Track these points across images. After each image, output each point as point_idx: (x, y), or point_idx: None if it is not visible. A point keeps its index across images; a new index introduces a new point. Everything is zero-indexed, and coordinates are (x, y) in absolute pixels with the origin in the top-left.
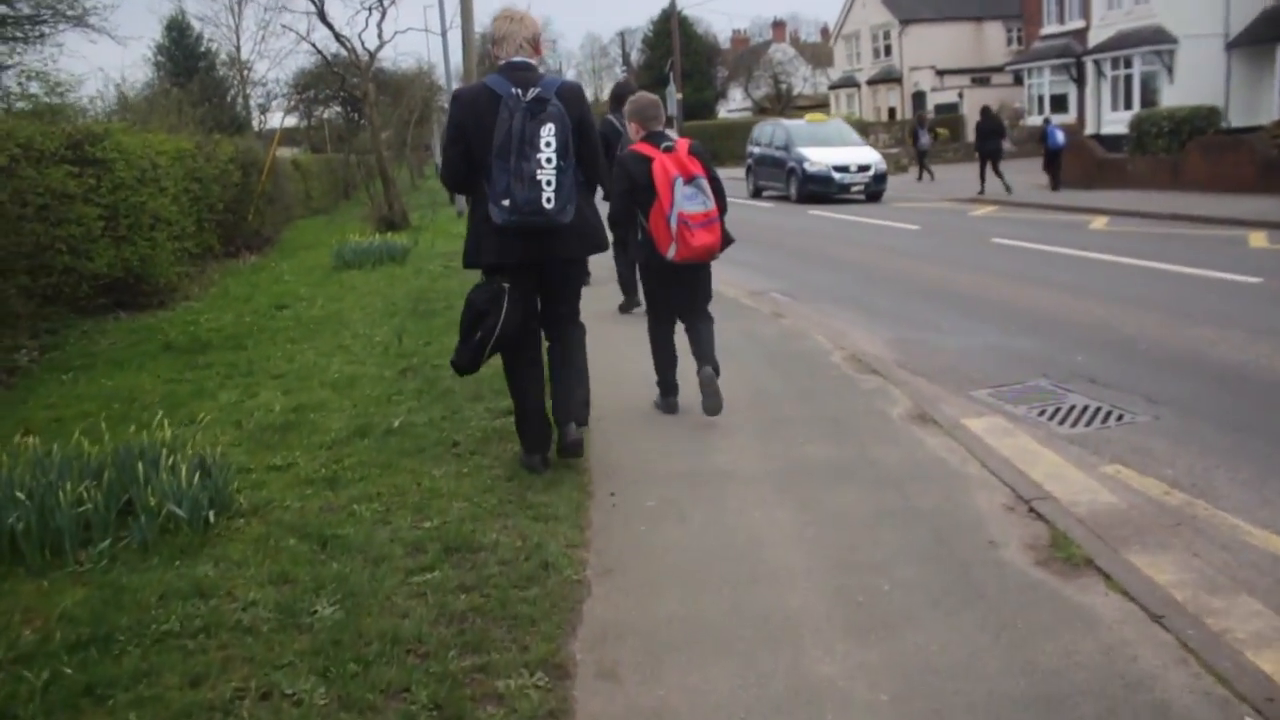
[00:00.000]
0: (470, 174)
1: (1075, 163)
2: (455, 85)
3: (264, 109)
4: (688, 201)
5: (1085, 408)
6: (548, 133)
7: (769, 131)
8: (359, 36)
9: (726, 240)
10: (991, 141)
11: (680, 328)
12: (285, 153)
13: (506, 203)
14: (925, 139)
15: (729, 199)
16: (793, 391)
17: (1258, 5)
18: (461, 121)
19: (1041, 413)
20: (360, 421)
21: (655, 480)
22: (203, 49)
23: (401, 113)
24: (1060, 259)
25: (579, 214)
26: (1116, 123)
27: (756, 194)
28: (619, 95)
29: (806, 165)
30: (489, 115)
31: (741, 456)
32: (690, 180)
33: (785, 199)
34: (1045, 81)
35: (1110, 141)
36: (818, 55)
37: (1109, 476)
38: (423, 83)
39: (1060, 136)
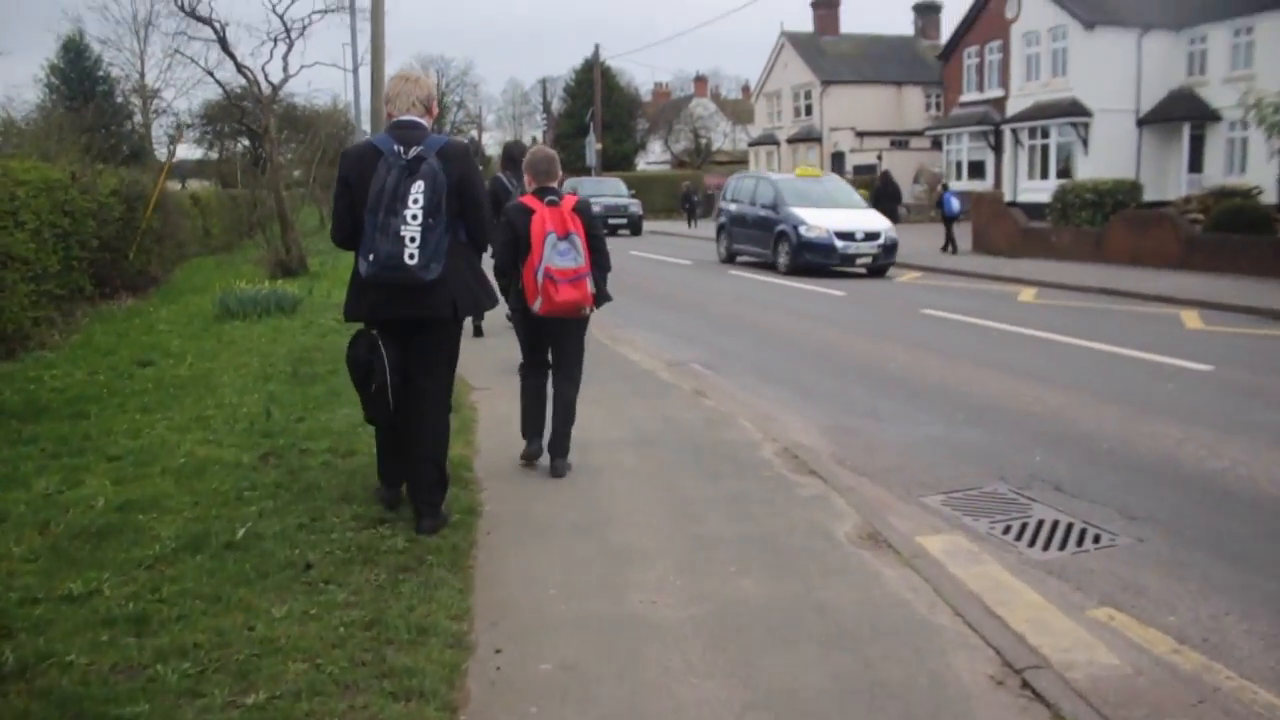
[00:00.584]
0: (355, 229)
1: (998, 230)
2: (365, 125)
3: (172, 139)
4: (558, 257)
5: (1055, 524)
6: (418, 189)
7: (750, 187)
8: (263, 69)
9: (601, 298)
10: (887, 204)
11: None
12: (190, 186)
13: (371, 256)
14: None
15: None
16: (721, 500)
17: (1165, 85)
18: (346, 176)
19: (1006, 529)
20: (197, 528)
21: (553, 629)
22: (101, 72)
23: (310, 149)
24: (996, 335)
25: (453, 273)
26: (1033, 190)
27: (730, 259)
28: (510, 155)
29: (803, 230)
30: (370, 171)
31: (662, 594)
32: (564, 236)
33: (769, 267)
34: (964, 147)
35: (1028, 209)
36: (738, 112)
37: (1102, 624)
38: (336, 120)
39: (955, 204)
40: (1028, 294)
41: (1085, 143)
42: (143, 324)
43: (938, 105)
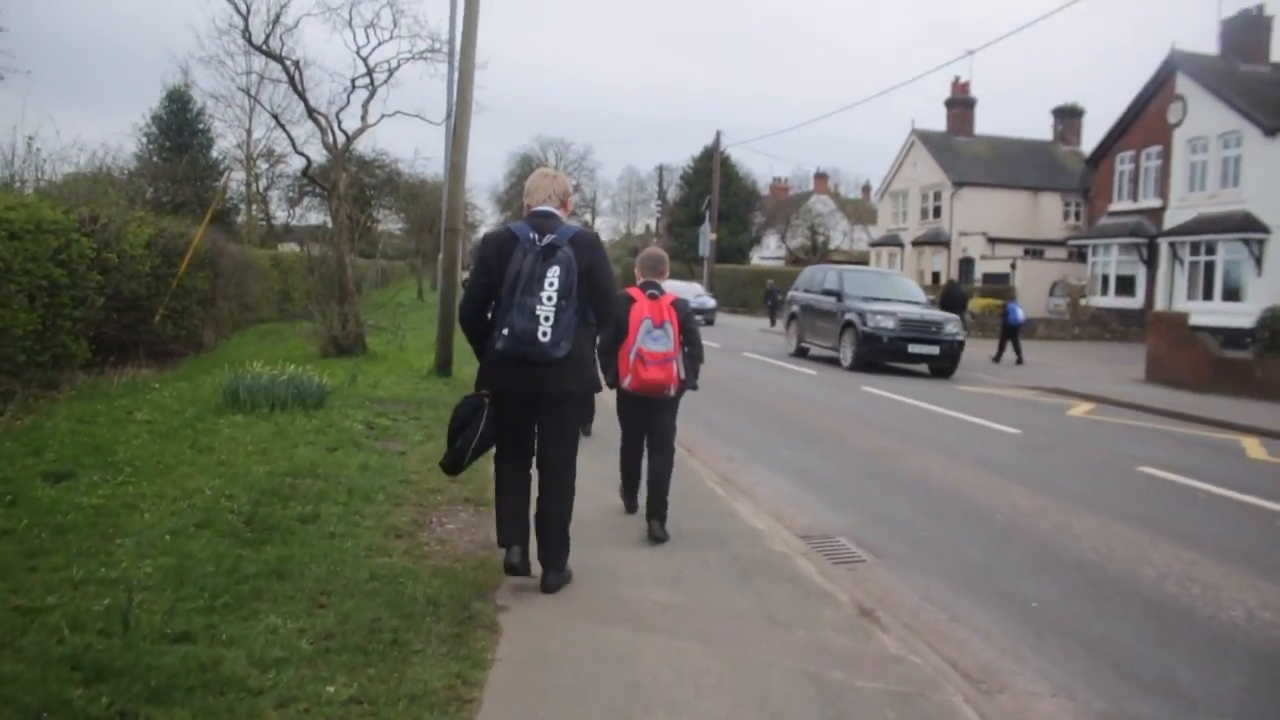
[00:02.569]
0: (485, 306)
1: (1181, 358)
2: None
3: (222, 184)
4: (651, 341)
5: None
6: (553, 274)
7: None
8: (337, 115)
9: (687, 384)
10: (953, 311)
11: None
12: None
13: (506, 331)
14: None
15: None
16: None
17: None
18: (485, 258)
19: None
20: None
21: None
22: (202, 125)
23: (418, 218)
24: (1258, 515)
25: (578, 351)
26: (1195, 313)
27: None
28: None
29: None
30: (508, 255)
31: None
32: (659, 325)
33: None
34: (1112, 260)
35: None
36: (858, 211)
37: None
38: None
39: (1020, 314)
40: (1254, 447)
41: (1259, 261)
42: (121, 408)
43: (1078, 214)
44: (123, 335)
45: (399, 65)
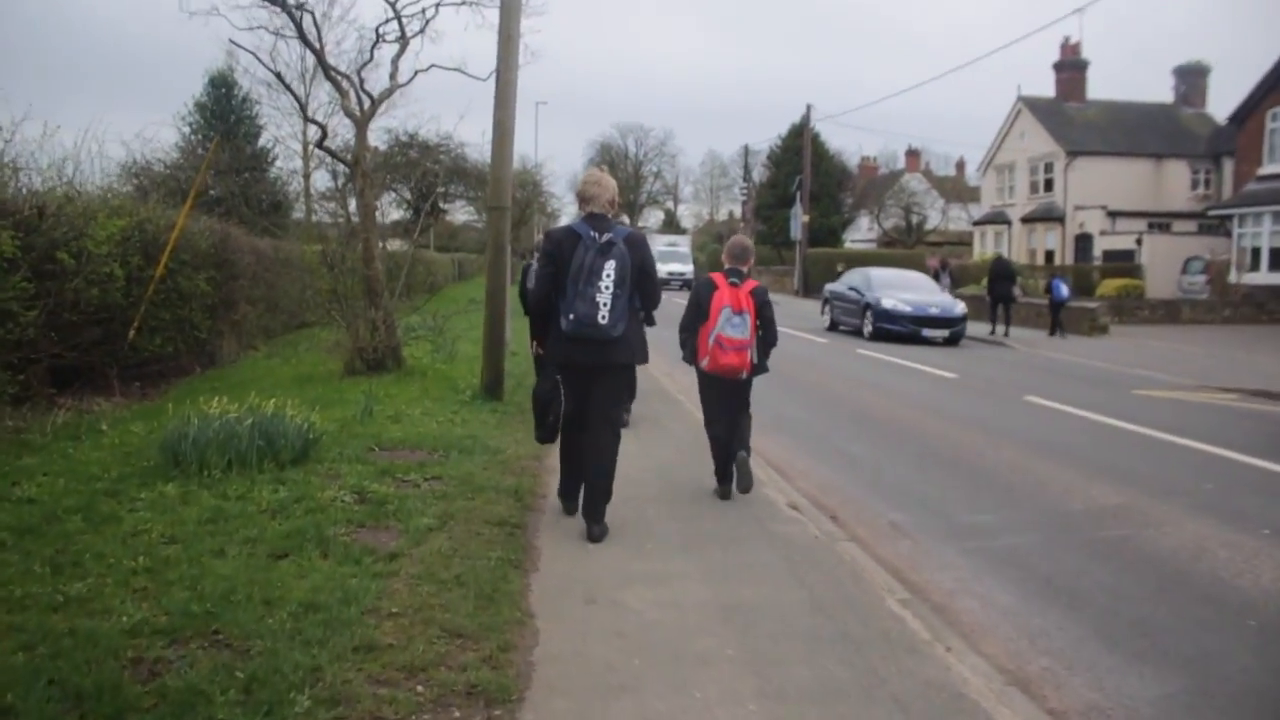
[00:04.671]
0: (551, 292)
1: None
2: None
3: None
4: (730, 328)
5: None
6: (610, 267)
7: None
8: (358, 74)
9: (759, 368)
10: (1002, 285)
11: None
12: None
13: (571, 316)
14: (945, 280)
15: None
16: None
17: None
18: (550, 251)
19: None
20: None
21: None
22: (248, 112)
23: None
24: None
25: (631, 331)
26: None
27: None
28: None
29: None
30: (570, 249)
31: None
32: (738, 311)
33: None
34: (1265, 231)
35: None
36: (954, 189)
37: None
38: (528, 179)
39: (1065, 290)
40: None
41: None
42: (18, 472)
43: (1208, 183)
44: (84, 357)
45: (436, 12)
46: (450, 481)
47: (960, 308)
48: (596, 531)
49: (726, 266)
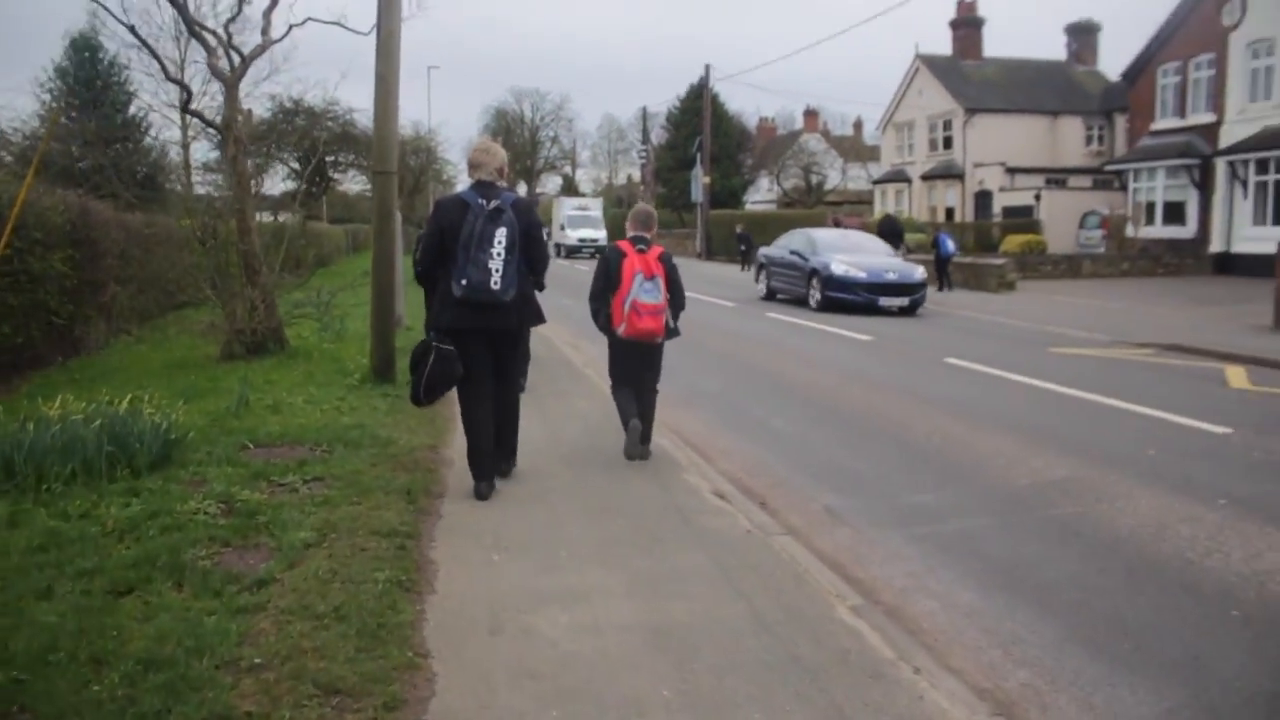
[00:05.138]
0: (439, 259)
1: None
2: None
3: (43, 123)
4: (643, 293)
5: None
6: (500, 234)
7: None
8: (225, 28)
9: (671, 332)
10: (890, 243)
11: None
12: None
13: (464, 281)
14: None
15: None
16: None
17: None
18: (440, 221)
19: None
20: None
21: None
22: (117, 77)
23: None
24: None
25: (519, 294)
26: (1258, 239)
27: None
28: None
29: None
30: (460, 217)
31: None
32: (650, 277)
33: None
34: (1159, 185)
35: (1245, 262)
36: (854, 149)
37: None
38: (422, 145)
39: (951, 245)
40: None
41: None
42: None
43: (1101, 139)
44: None
45: None
46: (334, 483)
47: (920, 272)
48: (506, 468)
49: (632, 234)
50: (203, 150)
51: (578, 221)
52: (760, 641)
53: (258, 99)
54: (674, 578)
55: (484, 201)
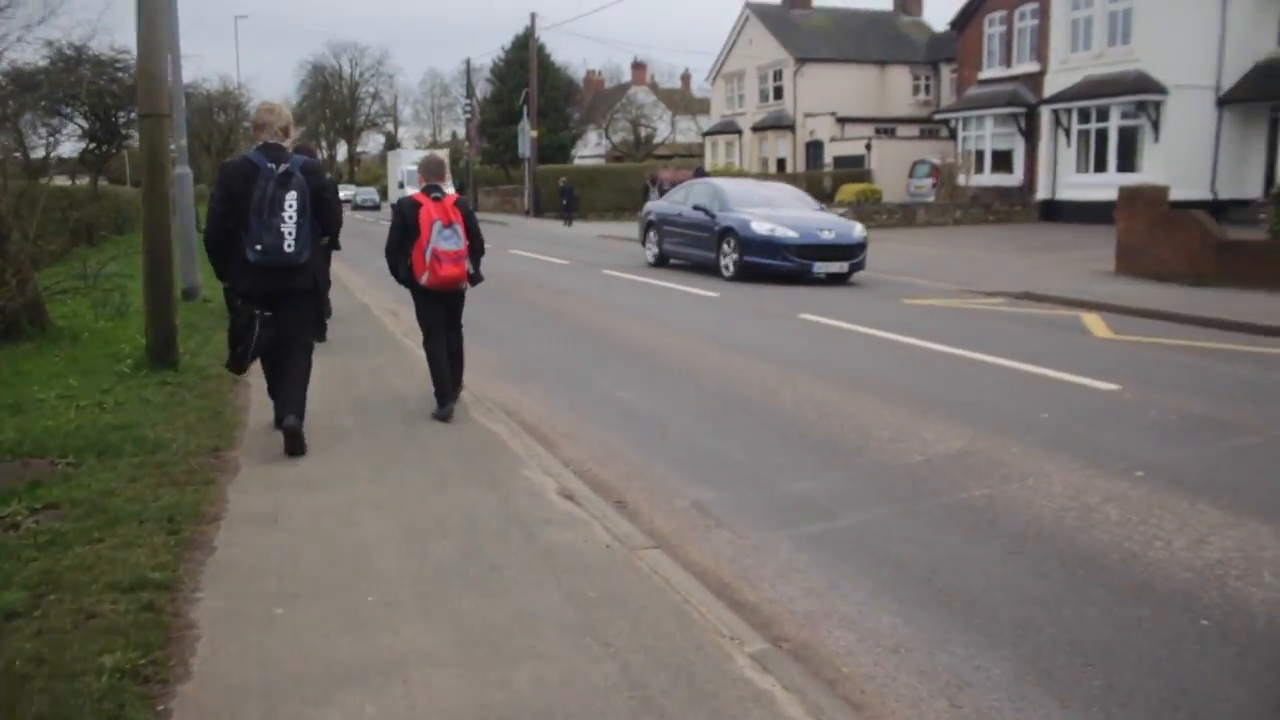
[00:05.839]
0: (230, 226)
1: (1170, 244)
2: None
3: None
4: (443, 240)
5: None
6: (291, 198)
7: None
8: None
9: (476, 278)
10: None
11: None
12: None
13: (259, 247)
14: (654, 195)
15: None
16: None
17: (1250, 57)
18: (229, 186)
19: None
20: None
21: None
22: None
23: (189, 136)
24: None
25: (314, 258)
26: (1083, 187)
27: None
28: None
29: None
30: (250, 182)
31: None
32: (448, 224)
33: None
34: (986, 134)
35: (1069, 209)
36: (683, 102)
37: None
38: (231, 101)
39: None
40: None
41: (1156, 126)
42: None
43: (928, 88)
44: None
45: None
46: (72, 511)
47: (859, 230)
48: (292, 422)
49: (424, 184)
50: None
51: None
52: None
53: (30, 43)
54: (519, 627)
55: (273, 165)
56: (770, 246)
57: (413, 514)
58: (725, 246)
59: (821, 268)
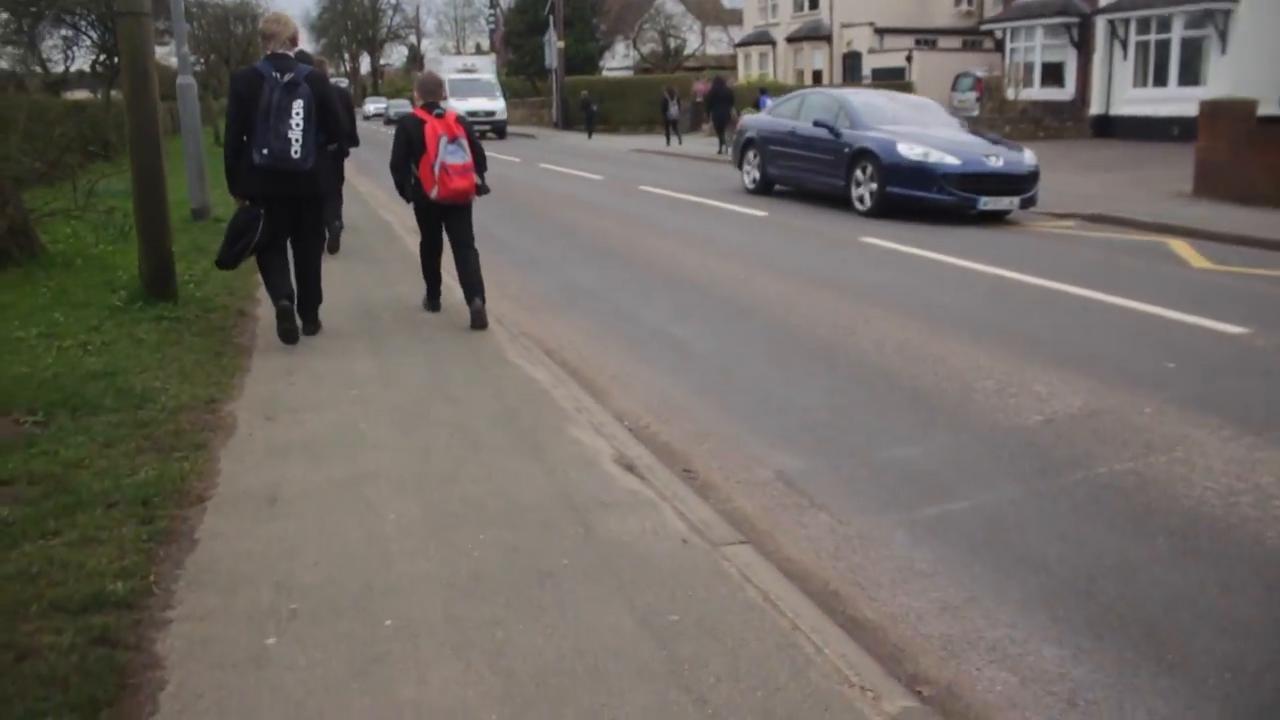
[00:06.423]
0: (244, 132)
1: (1260, 165)
2: None
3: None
4: (450, 155)
5: None
6: (298, 106)
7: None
8: None
9: (481, 190)
10: (720, 107)
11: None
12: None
13: (265, 151)
14: (674, 110)
15: None
16: None
17: None
18: (240, 93)
19: None
20: None
21: None
22: None
23: (206, 47)
24: None
25: (319, 164)
26: (1142, 102)
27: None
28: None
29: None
30: (257, 90)
31: None
32: (453, 139)
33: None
34: (1036, 45)
35: (1126, 125)
36: (714, 12)
37: None
38: (248, 13)
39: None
40: None
41: (1223, 36)
42: None
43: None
44: None
45: None
46: (29, 492)
47: (1029, 158)
48: (311, 327)
49: (423, 102)
50: None
51: (463, 88)
52: None
53: None
54: (584, 671)
55: (279, 75)
56: (922, 175)
57: (439, 493)
58: (859, 173)
59: (988, 203)
